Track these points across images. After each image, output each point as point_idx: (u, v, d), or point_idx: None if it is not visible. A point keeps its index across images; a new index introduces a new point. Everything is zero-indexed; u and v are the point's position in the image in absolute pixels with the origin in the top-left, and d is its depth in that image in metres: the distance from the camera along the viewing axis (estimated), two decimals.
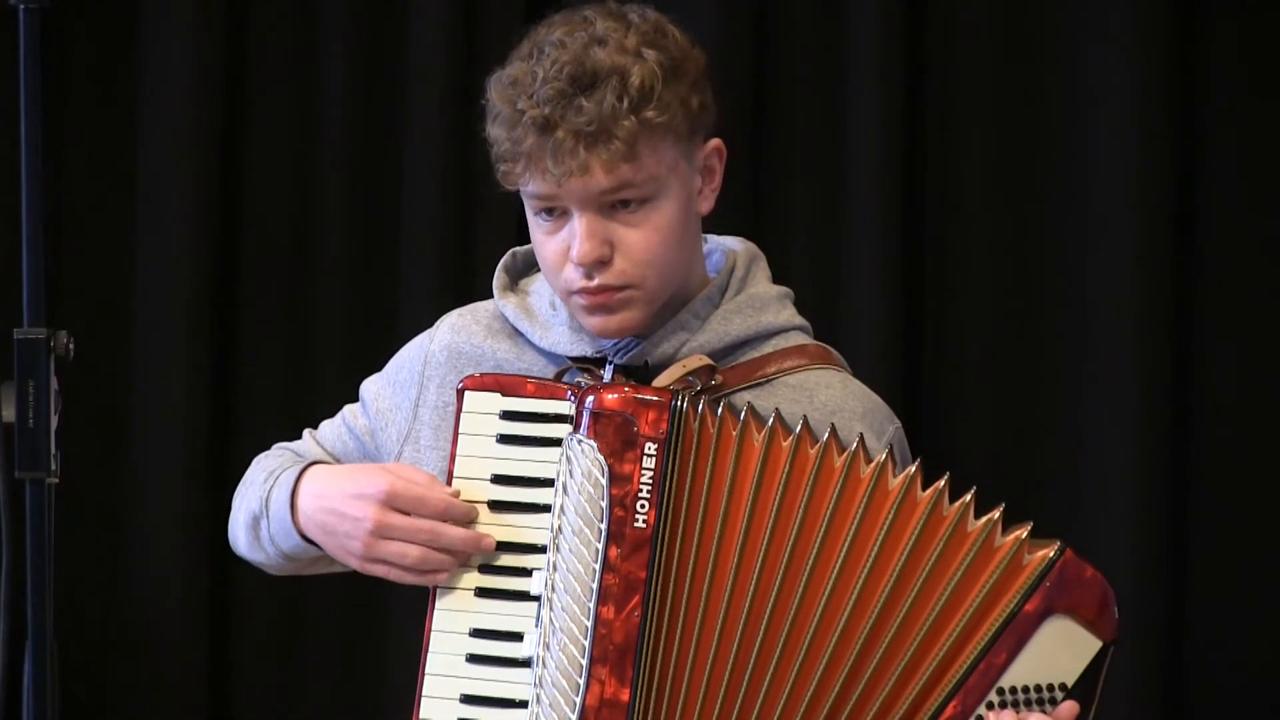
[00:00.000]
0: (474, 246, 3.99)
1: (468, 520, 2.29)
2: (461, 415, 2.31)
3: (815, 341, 2.46)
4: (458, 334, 2.46)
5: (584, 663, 2.22)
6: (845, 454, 2.23)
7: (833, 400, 2.38)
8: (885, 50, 3.92)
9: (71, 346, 2.13)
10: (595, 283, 2.32)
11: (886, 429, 2.40)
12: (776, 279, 2.50)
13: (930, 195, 3.97)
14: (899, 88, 3.93)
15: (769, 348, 2.41)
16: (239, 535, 2.52)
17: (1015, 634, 2.21)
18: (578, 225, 2.31)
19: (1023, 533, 2.22)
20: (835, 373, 2.42)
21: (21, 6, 2.12)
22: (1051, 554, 2.22)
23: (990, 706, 2.21)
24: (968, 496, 2.23)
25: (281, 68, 4.08)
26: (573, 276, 2.33)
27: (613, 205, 2.31)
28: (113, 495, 4.05)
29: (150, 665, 4.03)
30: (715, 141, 2.39)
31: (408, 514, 2.29)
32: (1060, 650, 2.22)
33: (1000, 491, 2.26)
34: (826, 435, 2.23)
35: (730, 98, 3.94)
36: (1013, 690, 2.21)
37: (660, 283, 2.34)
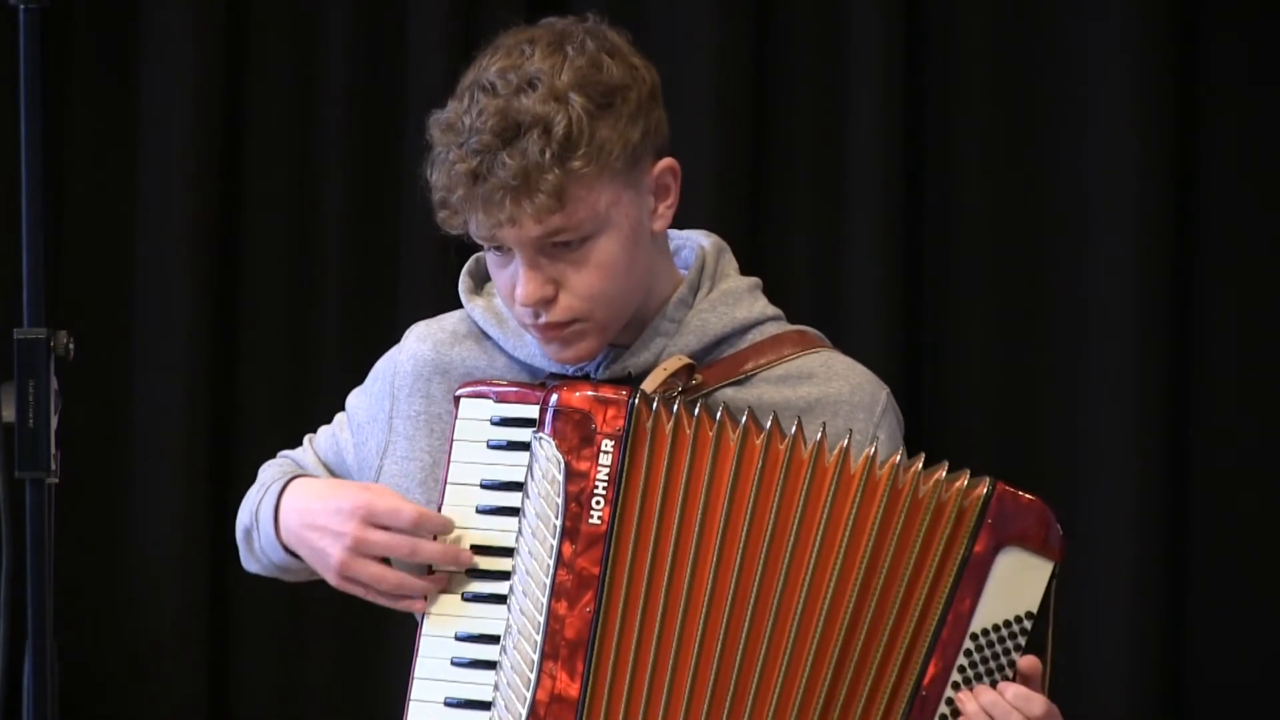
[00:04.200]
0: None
1: (444, 532, 2.30)
2: (457, 423, 2.33)
3: (792, 327, 2.45)
4: (423, 343, 2.46)
5: (535, 658, 2.24)
6: (838, 450, 2.24)
7: (815, 389, 2.38)
8: (886, 49, 3.92)
9: (71, 346, 2.13)
10: (543, 320, 2.32)
11: (879, 397, 2.40)
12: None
13: (930, 194, 3.97)
14: (899, 87, 3.93)
15: (745, 343, 2.41)
16: (239, 546, 2.54)
17: (973, 577, 2.24)
18: (519, 267, 2.31)
19: (962, 481, 2.24)
20: (817, 355, 2.42)
21: (21, 6, 2.12)
22: (984, 491, 2.24)
23: (968, 654, 2.23)
24: (919, 464, 2.25)
25: (281, 68, 4.08)
26: (522, 312, 2.34)
27: (553, 245, 2.30)
28: (113, 495, 4.05)
29: (150, 665, 4.03)
30: (667, 161, 2.35)
31: (386, 529, 2.30)
32: (1017, 580, 2.24)
33: None
34: (794, 429, 2.25)
35: (730, 98, 3.98)
36: (984, 633, 2.24)
37: (611, 312, 2.34)
